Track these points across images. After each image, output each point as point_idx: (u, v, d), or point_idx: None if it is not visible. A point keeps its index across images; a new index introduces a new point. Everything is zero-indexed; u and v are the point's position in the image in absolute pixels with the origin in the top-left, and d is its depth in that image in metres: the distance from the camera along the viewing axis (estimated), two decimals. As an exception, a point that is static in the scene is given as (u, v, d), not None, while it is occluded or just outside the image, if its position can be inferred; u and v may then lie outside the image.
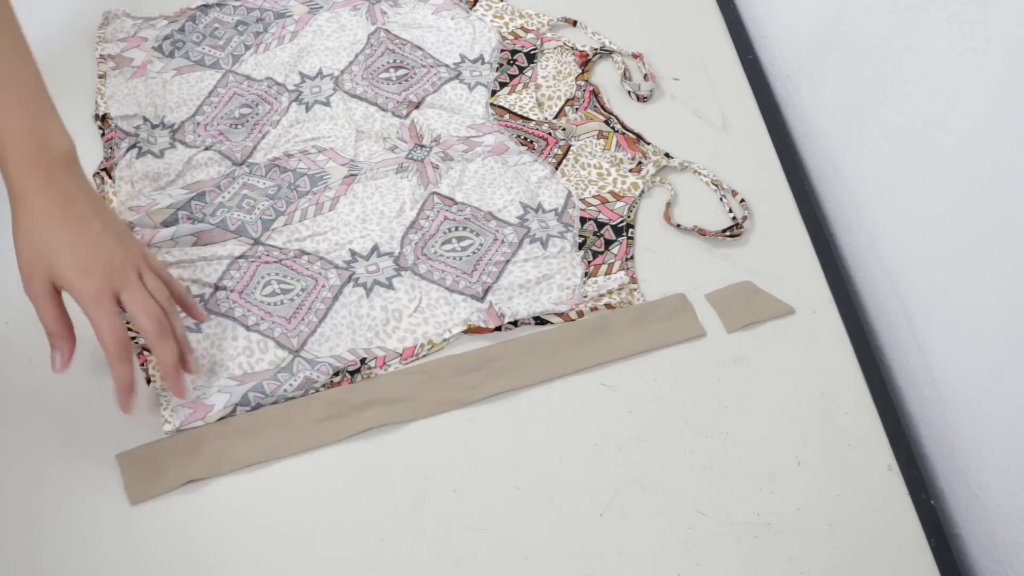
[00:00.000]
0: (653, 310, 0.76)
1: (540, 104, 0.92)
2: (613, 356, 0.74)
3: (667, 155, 0.87)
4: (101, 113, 0.89)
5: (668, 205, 0.84)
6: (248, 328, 0.75)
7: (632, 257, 0.81)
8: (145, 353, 0.74)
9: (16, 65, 0.62)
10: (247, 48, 0.95)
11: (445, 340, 0.75)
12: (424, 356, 0.75)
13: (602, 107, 0.91)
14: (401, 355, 0.75)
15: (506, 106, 0.91)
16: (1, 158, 0.60)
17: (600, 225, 0.82)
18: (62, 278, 0.61)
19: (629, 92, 0.93)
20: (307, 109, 0.90)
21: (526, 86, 0.93)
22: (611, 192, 0.85)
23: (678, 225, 0.83)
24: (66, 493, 0.68)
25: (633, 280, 0.79)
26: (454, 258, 0.80)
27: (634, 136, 0.89)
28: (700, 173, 0.87)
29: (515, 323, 0.76)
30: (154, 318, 0.63)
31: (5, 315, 0.77)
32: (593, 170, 0.86)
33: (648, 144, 0.88)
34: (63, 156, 0.62)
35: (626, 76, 0.94)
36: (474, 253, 0.80)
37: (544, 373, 0.73)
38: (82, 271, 0.61)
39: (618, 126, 0.89)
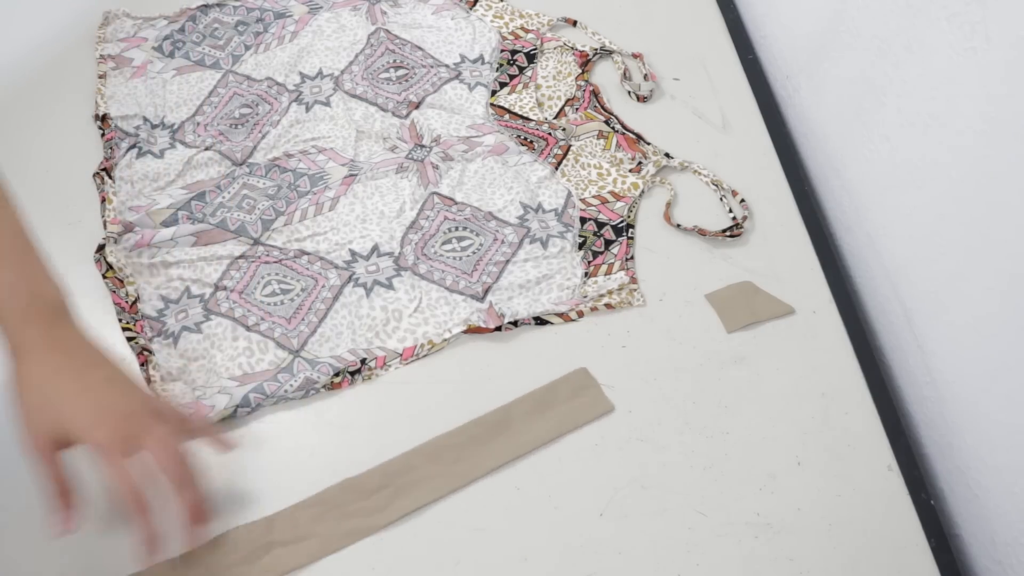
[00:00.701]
0: (555, 392, 0.72)
1: (540, 104, 0.92)
2: (520, 451, 0.69)
3: (667, 155, 0.87)
4: (101, 113, 0.89)
5: (668, 205, 0.84)
6: (248, 328, 0.75)
7: (632, 257, 0.81)
8: (145, 353, 0.74)
9: (2, 214, 0.60)
10: (247, 48, 0.95)
11: (445, 340, 0.75)
12: (424, 356, 0.75)
13: (602, 107, 0.91)
14: (401, 355, 0.75)
15: (506, 106, 0.91)
16: None
17: (600, 225, 0.82)
18: (71, 430, 0.56)
19: (629, 92, 0.93)
20: (307, 109, 0.90)
21: (526, 86, 0.93)
22: (611, 192, 0.85)
23: (678, 225, 0.83)
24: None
25: (633, 280, 0.79)
26: (454, 258, 0.80)
27: (634, 136, 0.89)
28: (700, 173, 0.87)
29: (515, 323, 0.76)
30: (176, 463, 0.58)
31: (5, 315, 0.77)
32: (593, 170, 0.86)
33: (648, 144, 0.88)
34: (58, 305, 0.60)
35: (626, 76, 0.94)
36: (474, 253, 0.80)
37: (452, 483, 0.68)
38: (93, 421, 0.56)
39: (618, 126, 0.89)
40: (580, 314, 0.77)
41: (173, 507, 0.58)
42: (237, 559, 0.64)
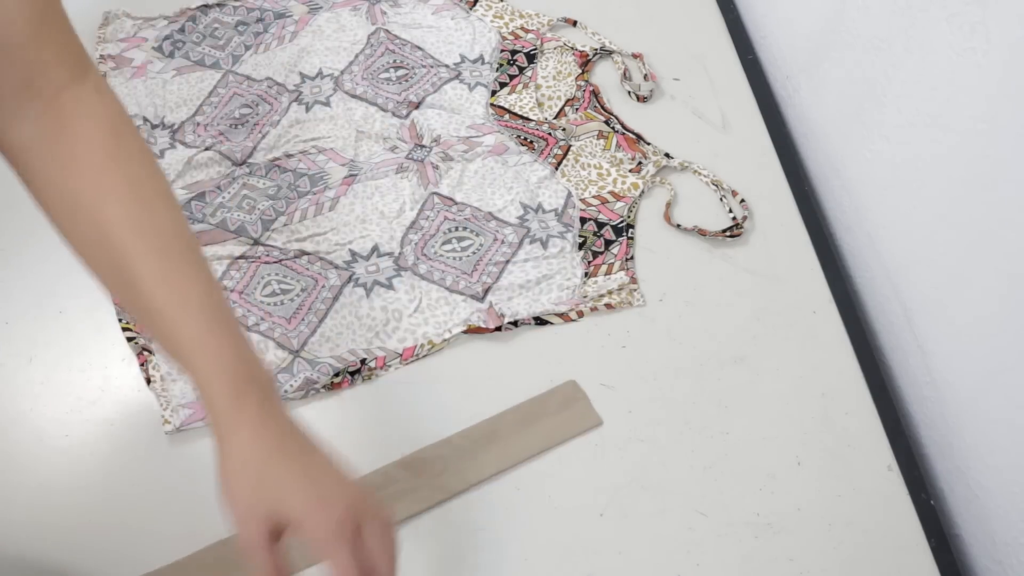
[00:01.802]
0: (544, 405, 0.71)
1: (540, 104, 0.92)
2: (507, 464, 0.68)
3: (667, 155, 0.87)
4: (101, 113, 0.89)
5: (668, 205, 0.84)
6: (248, 329, 0.75)
7: (632, 257, 0.81)
8: (145, 353, 0.74)
9: (209, 288, 0.54)
10: (247, 48, 0.95)
11: (445, 340, 0.75)
12: (424, 356, 0.75)
13: (602, 107, 0.91)
14: (401, 355, 0.75)
15: (506, 106, 0.91)
16: (204, 386, 0.52)
17: (600, 225, 0.82)
18: (293, 517, 0.51)
19: (629, 92, 0.93)
20: (307, 109, 0.90)
21: (526, 86, 0.93)
22: (611, 192, 0.85)
23: (678, 225, 0.83)
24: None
25: (633, 280, 0.79)
26: (454, 258, 0.80)
27: (634, 136, 0.89)
28: (700, 173, 0.87)
29: (515, 323, 0.76)
30: (392, 557, 0.53)
31: (5, 315, 0.77)
32: (593, 170, 0.86)
33: (648, 144, 0.88)
34: (267, 385, 0.54)
35: (626, 76, 0.94)
36: (474, 253, 0.80)
37: (435, 495, 0.66)
38: (316, 508, 0.51)
39: (618, 126, 0.89)
40: (580, 314, 0.77)
41: None
42: None
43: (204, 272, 0.55)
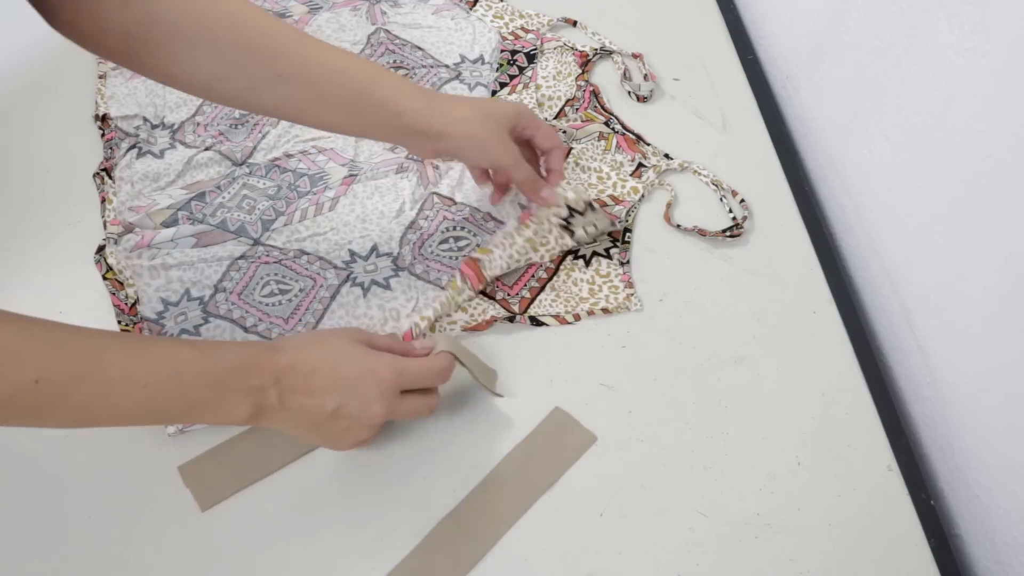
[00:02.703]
0: (536, 442, 0.71)
1: (540, 104, 0.92)
2: (524, 509, 0.68)
3: (667, 156, 0.87)
4: (101, 113, 0.89)
5: (668, 206, 0.84)
6: (246, 329, 0.75)
7: (628, 262, 0.81)
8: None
9: (380, 68, 0.71)
10: (247, 48, 0.95)
11: (439, 318, 0.75)
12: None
13: (602, 107, 0.91)
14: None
15: (506, 106, 0.91)
16: (399, 102, 0.67)
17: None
18: (513, 115, 0.73)
19: (629, 92, 0.93)
20: (307, 109, 0.90)
21: (526, 86, 0.93)
22: (611, 196, 0.85)
23: (678, 226, 0.83)
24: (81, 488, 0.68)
25: (629, 285, 0.79)
26: (450, 258, 0.80)
27: (634, 137, 0.89)
28: (700, 173, 0.86)
29: (512, 319, 0.76)
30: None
31: (5, 315, 0.77)
32: (593, 174, 0.86)
33: (648, 145, 0.88)
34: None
35: (626, 76, 0.94)
36: (471, 253, 0.80)
37: (467, 562, 0.65)
38: (517, 106, 0.74)
39: (618, 127, 0.89)
40: (576, 317, 0.77)
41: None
42: None
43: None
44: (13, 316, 0.52)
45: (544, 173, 0.78)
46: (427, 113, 0.67)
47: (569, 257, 0.80)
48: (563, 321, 0.77)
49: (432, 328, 0.75)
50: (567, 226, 0.78)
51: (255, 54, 0.63)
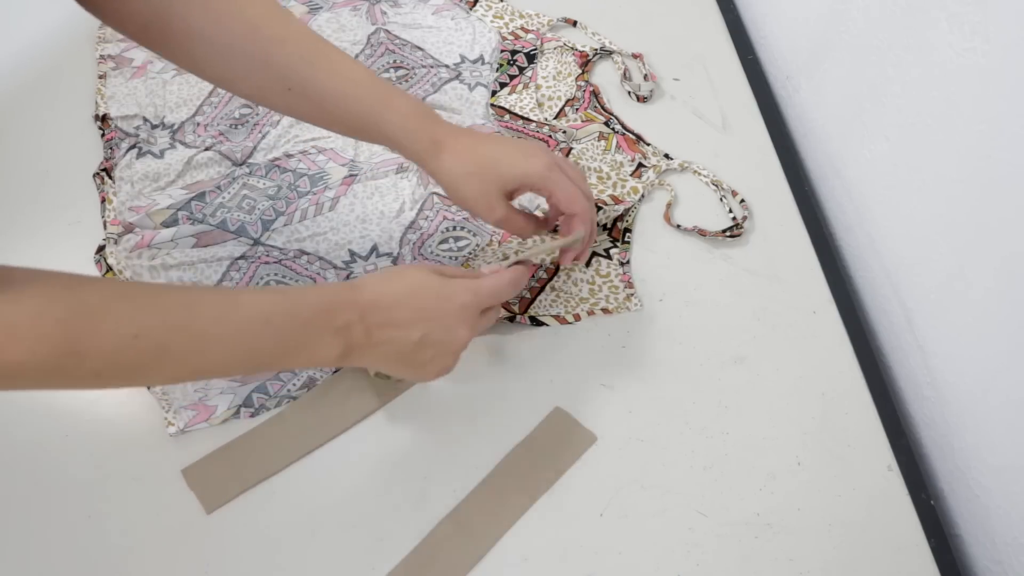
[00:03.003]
0: (536, 442, 0.71)
1: (540, 104, 0.92)
2: (524, 509, 0.68)
3: (667, 156, 0.87)
4: (101, 113, 0.89)
5: (668, 206, 0.84)
6: (248, 328, 0.75)
7: (628, 261, 0.81)
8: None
9: (366, 70, 0.69)
10: (247, 48, 0.95)
11: None
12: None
13: (602, 107, 0.91)
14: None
15: (506, 107, 0.91)
16: (401, 140, 0.68)
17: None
18: (516, 172, 0.68)
19: (629, 92, 0.93)
20: (307, 109, 0.90)
21: (526, 86, 0.93)
22: (611, 196, 0.85)
23: (678, 226, 0.83)
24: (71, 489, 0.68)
25: (629, 285, 0.79)
26: (450, 258, 0.80)
27: (634, 137, 0.89)
28: (700, 173, 0.86)
29: (512, 318, 0.76)
30: (584, 178, 0.74)
31: (5, 315, 0.77)
32: (593, 174, 0.86)
33: (648, 145, 0.88)
34: (439, 117, 0.69)
35: (626, 76, 0.94)
36: (470, 253, 0.80)
37: (478, 551, 0.66)
38: (530, 159, 0.68)
39: (618, 126, 0.89)
40: (577, 317, 0.77)
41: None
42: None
43: (349, 57, 0.68)
44: (103, 279, 0.54)
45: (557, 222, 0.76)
46: (423, 158, 0.68)
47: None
48: (563, 321, 0.77)
49: None
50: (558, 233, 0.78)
51: (267, 66, 0.64)
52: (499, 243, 0.80)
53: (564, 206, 0.70)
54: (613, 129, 0.89)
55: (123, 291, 0.53)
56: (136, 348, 0.51)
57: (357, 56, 0.94)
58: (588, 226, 0.71)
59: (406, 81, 0.92)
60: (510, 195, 0.70)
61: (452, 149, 0.68)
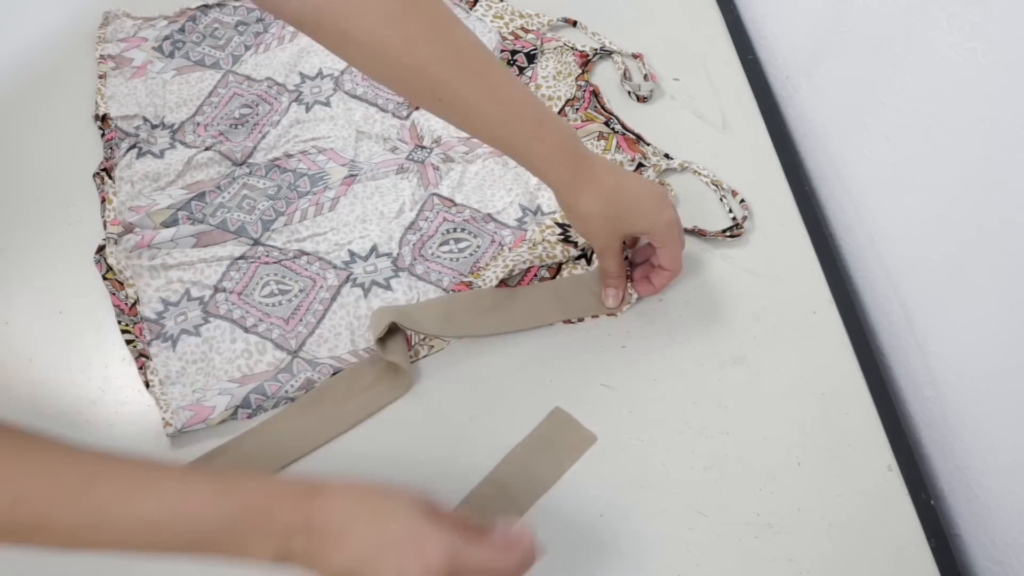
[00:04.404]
0: (536, 442, 0.70)
1: (540, 104, 0.92)
2: (524, 509, 0.68)
3: (667, 156, 0.87)
4: (101, 113, 0.89)
5: (668, 205, 0.84)
6: (247, 330, 0.75)
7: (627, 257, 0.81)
8: (143, 359, 0.74)
9: (523, 91, 0.68)
10: (247, 48, 0.95)
11: (445, 342, 0.75)
12: (424, 357, 0.75)
13: (602, 107, 0.91)
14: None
15: (506, 106, 0.91)
16: (546, 169, 0.68)
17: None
18: (641, 226, 0.71)
19: (629, 92, 0.93)
20: (307, 109, 0.90)
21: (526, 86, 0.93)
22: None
23: (678, 225, 0.83)
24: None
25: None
26: (451, 259, 0.80)
27: (634, 137, 0.89)
28: (700, 173, 0.86)
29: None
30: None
31: (5, 315, 0.77)
32: (593, 170, 0.86)
33: (648, 145, 0.88)
34: (585, 150, 0.70)
35: (626, 76, 0.94)
36: (471, 255, 0.80)
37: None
38: (657, 214, 0.71)
39: (618, 127, 0.89)
40: (580, 319, 0.77)
41: None
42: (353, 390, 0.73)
43: (511, 79, 0.69)
44: (5, 431, 0.49)
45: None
46: (560, 191, 0.70)
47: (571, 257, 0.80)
48: (566, 322, 0.77)
49: (431, 347, 0.75)
50: (567, 238, 0.78)
51: (419, 78, 0.64)
52: (509, 249, 0.79)
53: (664, 260, 0.73)
54: (613, 129, 0.89)
55: (20, 447, 0.49)
56: (15, 513, 0.47)
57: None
58: (667, 282, 0.75)
59: (406, 81, 0.92)
60: (631, 240, 0.74)
61: (591, 189, 0.68)
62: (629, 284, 0.77)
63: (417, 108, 0.90)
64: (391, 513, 0.52)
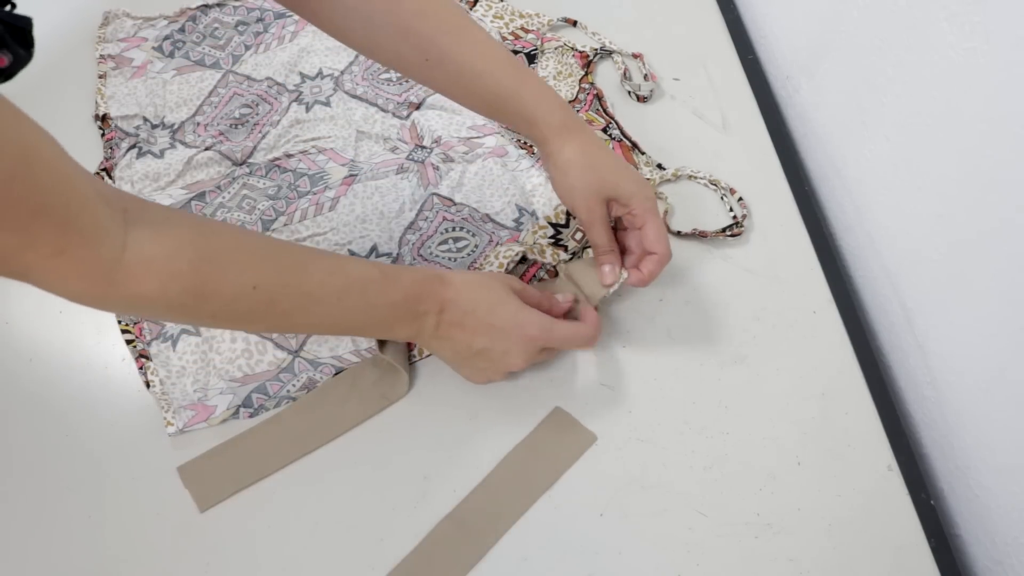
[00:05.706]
0: (536, 442, 0.71)
1: (540, 104, 0.92)
2: (524, 509, 0.68)
3: (659, 166, 0.87)
4: (101, 113, 0.89)
5: (665, 214, 0.84)
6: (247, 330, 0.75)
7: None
8: (142, 359, 0.74)
9: (522, 66, 0.70)
10: (247, 48, 0.95)
11: None
12: (426, 357, 0.75)
13: (604, 111, 0.91)
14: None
15: (506, 106, 0.91)
16: (538, 123, 0.69)
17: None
18: (624, 191, 0.70)
19: (629, 92, 0.93)
20: (307, 109, 0.90)
21: (526, 86, 0.93)
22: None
23: (678, 232, 0.83)
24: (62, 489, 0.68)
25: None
26: (450, 259, 0.80)
27: (630, 145, 0.88)
28: (695, 177, 0.86)
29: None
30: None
31: (5, 315, 0.77)
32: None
33: (643, 154, 0.88)
34: (578, 119, 0.71)
35: (626, 76, 0.94)
36: (469, 254, 0.80)
37: (479, 551, 0.66)
38: (640, 186, 0.70)
39: (616, 132, 0.89)
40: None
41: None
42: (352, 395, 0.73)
43: (495, 40, 0.70)
44: (228, 227, 0.58)
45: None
46: (548, 138, 0.70)
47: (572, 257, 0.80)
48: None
49: None
50: (557, 242, 0.78)
51: (407, 38, 0.66)
52: (501, 245, 0.80)
53: (650, 243, 0.71)
54: (611, 135, 0.89)
55: (247, 243, 0.57)
56: (252, 298, 0.55)
57: (357, 56, 0.94)
58: (657, 268, 0.72)
59: (406, 81, 0.92)
60: (607, 205, 0.71)
61: (580, 141, 0.69)
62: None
63: (417, 108, 0.90)
64: (498, 302, 0.67)
